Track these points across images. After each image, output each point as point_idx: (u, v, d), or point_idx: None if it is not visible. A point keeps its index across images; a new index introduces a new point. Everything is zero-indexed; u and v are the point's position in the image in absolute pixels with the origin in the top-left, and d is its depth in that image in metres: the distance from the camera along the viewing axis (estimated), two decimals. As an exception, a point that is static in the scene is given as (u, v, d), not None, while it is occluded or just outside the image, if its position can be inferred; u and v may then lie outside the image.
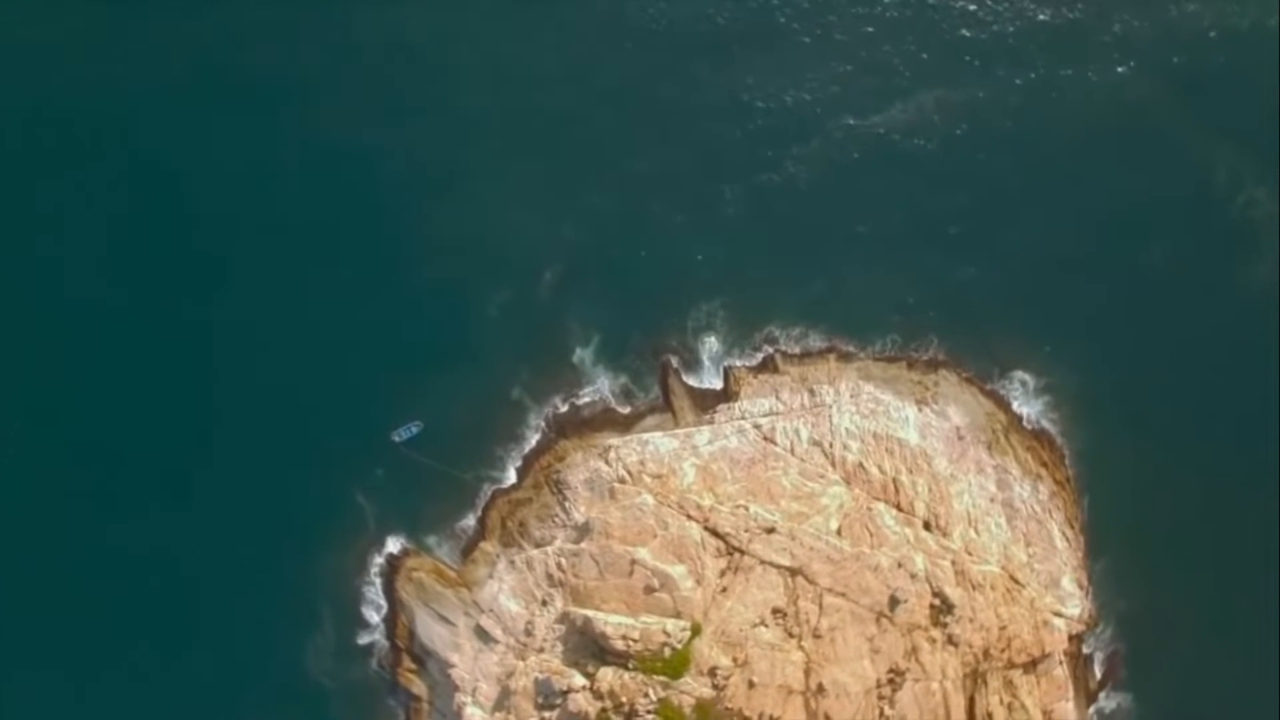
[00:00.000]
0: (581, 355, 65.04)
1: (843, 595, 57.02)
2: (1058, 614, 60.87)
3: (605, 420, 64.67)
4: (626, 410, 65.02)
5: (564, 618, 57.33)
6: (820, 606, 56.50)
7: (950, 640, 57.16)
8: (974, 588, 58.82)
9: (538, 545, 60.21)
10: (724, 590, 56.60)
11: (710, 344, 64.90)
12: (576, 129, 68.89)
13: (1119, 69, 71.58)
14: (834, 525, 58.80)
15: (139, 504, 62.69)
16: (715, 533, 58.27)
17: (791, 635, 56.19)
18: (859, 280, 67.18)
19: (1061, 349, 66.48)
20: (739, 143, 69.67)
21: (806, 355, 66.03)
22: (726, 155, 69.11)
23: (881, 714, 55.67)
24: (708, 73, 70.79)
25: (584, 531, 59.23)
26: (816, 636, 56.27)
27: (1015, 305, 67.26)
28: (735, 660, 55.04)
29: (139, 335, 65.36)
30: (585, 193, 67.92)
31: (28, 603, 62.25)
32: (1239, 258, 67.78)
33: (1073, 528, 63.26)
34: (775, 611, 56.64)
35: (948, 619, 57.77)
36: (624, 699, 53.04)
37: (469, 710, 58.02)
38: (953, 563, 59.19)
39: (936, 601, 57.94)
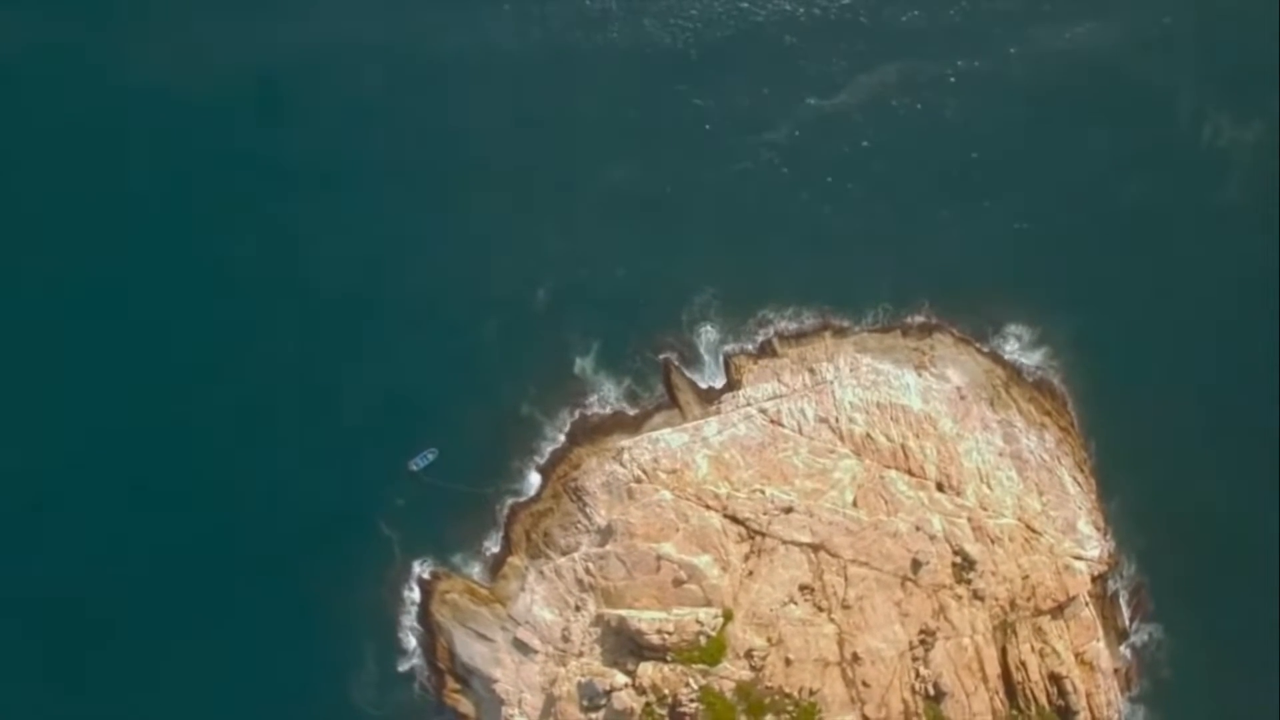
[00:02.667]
0: (583, 364, 66.35)
1: (866, 564, 58.30)
2: (1078, 557, 62.11)
3: (615, 424, 65.97)
4: (634, 411, 66.31)
5: (598, 620, 58.65)
6: (845, 578, 57.78)
7: (976, 595, 58.42)
8: (993, 541, 60.07)
9: (564, 553, 61.53)
10: (750, 574, 57.90)
11: (707, 335, 66.11)
12: (546, 143, 69.97)
13: (1077, 26, 72.75)
14: (849, 498, 60.08)
15: (171, 557, 63.64)
16: (735, 519, 59.56)
17: (821, 609, 57.48)
18: (844, 255, 68.30)
19: (1050, 297, 67.54)
20: (711, 136, 70.70)
21: (802, 335, 67.29)
22: (700, 150, 70.20)
23: (917, 675, 56.94)
24: (672, 71, 71.85)
25: (607, 534, 60.56)
26: (845, 607, 57.56)
27: (999, 260, 68.40)
28: (769, 640, 56.35)
29: (151, 389, 66.29)
30: (564, 204, 69.02)
31: (77, 643, 63.23)
32: (1211, 184, 68.81)
33: (1082, 471, 64.50)
34: (802, 588, 57.93)
35: (971, 575, 59.03)
36: (666, 691, 54.39)
37: (517, 721, 59.34)
38: (969, 519, 60.44)
39: (958, 559, 59.20)
